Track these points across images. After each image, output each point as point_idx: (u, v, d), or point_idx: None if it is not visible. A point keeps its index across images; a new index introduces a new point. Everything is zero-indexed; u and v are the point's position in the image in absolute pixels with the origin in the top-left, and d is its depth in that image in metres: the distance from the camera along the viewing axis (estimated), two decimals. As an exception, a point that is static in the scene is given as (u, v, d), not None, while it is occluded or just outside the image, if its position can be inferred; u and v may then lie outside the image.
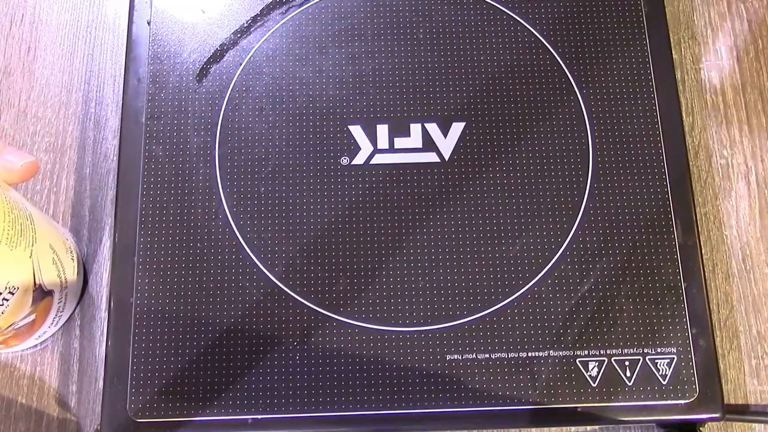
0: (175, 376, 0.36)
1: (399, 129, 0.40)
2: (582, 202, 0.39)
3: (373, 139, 0.40)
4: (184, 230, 0.38)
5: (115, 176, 0.40)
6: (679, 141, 0.40)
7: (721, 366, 0.39)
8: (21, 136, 0.42)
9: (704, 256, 0.39)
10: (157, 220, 0.38)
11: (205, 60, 0.41)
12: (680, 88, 0.43)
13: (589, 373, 0.36)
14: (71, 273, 0.37)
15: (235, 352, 0.36)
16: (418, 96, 0.41)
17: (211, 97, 0.41)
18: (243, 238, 0.38)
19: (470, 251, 0.38)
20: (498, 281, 0.38)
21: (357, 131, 0.40)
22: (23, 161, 0.31)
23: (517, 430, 0.38)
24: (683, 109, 0.43)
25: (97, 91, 0.43)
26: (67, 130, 0.43)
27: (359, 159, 0.40)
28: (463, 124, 0.40)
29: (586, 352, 0.37)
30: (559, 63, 0.41)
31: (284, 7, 0.42)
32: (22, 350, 0.38)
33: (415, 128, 0.40)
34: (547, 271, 0.38)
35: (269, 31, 0.42)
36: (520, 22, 0.42)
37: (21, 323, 0.34)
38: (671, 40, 0.43)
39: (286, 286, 0.38)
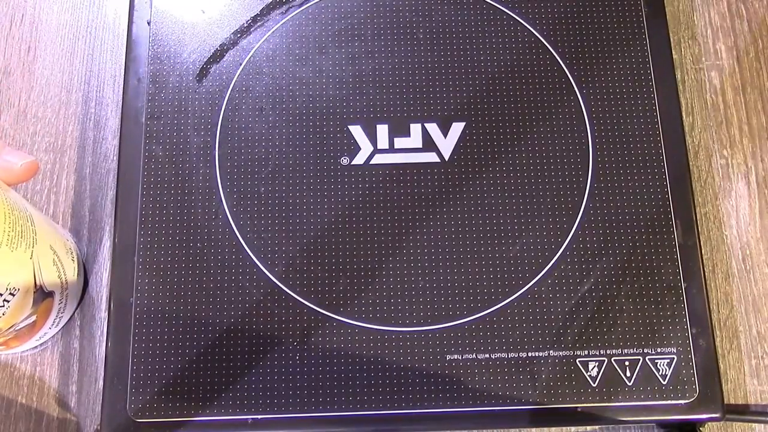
0: (175, 376, 0.36)
1: (399, 129, 0.40)
2: (582, 202, 0.39)
3: (373, 139, 0.40)
4: (184, 230, 0.38)
5: (115, 176, 0.40)
6: (679, 141, 0.40)
7: (721, 366, 0.39)
8: (21, 136, 0.42)
9: (704, 256, 0.39)
10: (157, 220, 0.38)
11: (205, 60, 0.41)
12: (680, 88, 0.43)
13: (589, 373, 0.36)
14: (72, 274, 0.37)
15: (235, 352, 0.36)
16: (418, 96, 0.41)
17: (211, 97, 0.41)
18: (243, 238, 0.38)
19: (470, 251, 0.38)
20: (498, 281, 0.38)
21: (357, 131, 0.40)
22: (23, 161, 0.31)
23: (517, 430, 0.38)
24: (683, 109, 0.43)
25: (97, 91, 0.43)
26: (67, 130, 0.43)
27: (359, 159, 0.40)
28: (463, 124, 0.40)
29: (586, 352, 0.37)
30: (559, 63, 0.41)
31: (284, 7, 0.42)
32: (23, 351, 0.38)
33: (415, 128, 0.40)
34: (547, 271, 0.38)
35: (269, 31, 0.42)
36: (520, 22, 0.42)
37: (22, 324, 0.34)
38: (671, 40, 0.43)
39: (286, 286, 0.38)
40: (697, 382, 0.36)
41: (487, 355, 0.37)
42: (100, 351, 0.39)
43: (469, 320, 0.37)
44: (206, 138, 0.40)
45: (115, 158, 0.42)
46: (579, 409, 0.36)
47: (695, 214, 0.39)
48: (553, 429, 0.38)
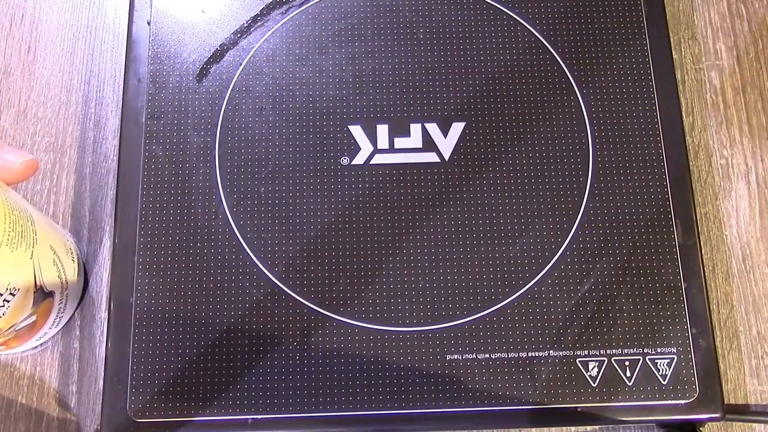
0: (175, 376, 0.36)
1: (399, 129, 0.40)
2: (582, 202, 0.39)
3: (373, 139, 0.40)
4: (184, 230, 0.38)
5: (115, 176, 0.40)
6: (679, 141, 0.40)
7: (721, 366, 0.39)
8: (21, 136, 0.42)
9: (704, 256, 0.39)
10: (157, 220, 0.38)
11: (205, 60, 0.41)
12: (680, 88, 0.43)
13: (589, 373, 0.36)
14: (72, 274, 0.37)
15: (235, 352, 0.36)
16: (418, 96, 0.41)
17: (211, 97, 0.41)
18: (243, 238, 0.38)
19: (470, 251, 0.38)
20: (498, 281, 0.38)
21: (357, 131, 0.40)
22: (22, 160, 0.31)
23: (517, 430, 0.38)
24: (683, 109, 0.43)
25: (97, 91, 0.43)
26: (67, 130, 0.43)
27: (359, 159, 0.40)
28: (463, 124, 0.40)
29: (586, 352, 0.37)
30: (559, 63, 0.41)
31: (284, 7, 0.42)
32: (23, 351, 0.38)
33: (415, 128, 0.40)
34: (547, 271, 0.38)
35: (269, 31, 0.42)
36: (520, 22, 0.42)
37: (22, 324, 0.34)
38: (671, 40, 0.43)
39: (286, 286, 0.38)
40: (697, 382, 0.36)
41: (487, 355, 0.37)
42: (100, 351, 0.39)
43: (469, 320, 0.37)
44: (206, 138, 0.40)
45: (115, 158, 0.42)
46: (579, 409, 0.36)
47: (695, 214, 0.39)
48: (553, 429, 0.38)
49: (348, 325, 0.37)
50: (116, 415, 0.35)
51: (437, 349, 0.37)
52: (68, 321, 0.39)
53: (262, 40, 0.42)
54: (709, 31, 0.45)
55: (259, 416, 0.36)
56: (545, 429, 0.38)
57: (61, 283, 0.36)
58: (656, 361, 0.37)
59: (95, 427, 0.38)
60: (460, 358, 0.37)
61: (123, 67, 0.41)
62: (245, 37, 0.42)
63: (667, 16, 0.43)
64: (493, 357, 0.37)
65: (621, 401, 0.36)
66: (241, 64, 0.41)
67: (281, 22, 0.42)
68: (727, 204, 0.42)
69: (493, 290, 0.38)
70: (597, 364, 0.37)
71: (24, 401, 0.38)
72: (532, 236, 0.38)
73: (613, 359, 0.37)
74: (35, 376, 0.39)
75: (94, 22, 0.45)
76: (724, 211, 0.42)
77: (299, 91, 0.41)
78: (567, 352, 0.37)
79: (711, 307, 0.38)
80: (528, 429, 0.37)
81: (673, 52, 0.42)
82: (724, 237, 0.41)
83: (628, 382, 0.36)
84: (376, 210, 0.39)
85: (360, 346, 0.37)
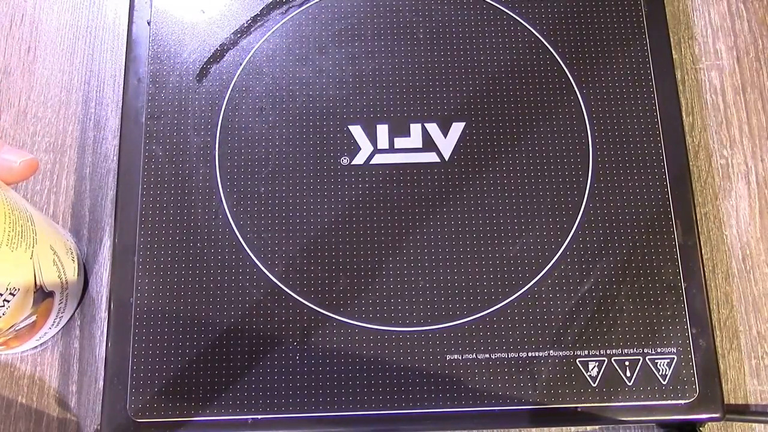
0: (175, 376, 0.36)
1: (399, 129, 0.40)
2: (582, 202, 0.39)
3: (373, 139, 0.40)
4: (184, 230, 0.38)
5: (115, 176, 0.40)
6: (679, 141, 0.40)
7: (721, 366, 0.39)
8: (21, 136, 0.42)
9: (704, 256, 0.39)
10: (157, 220, 0.38)
11: (205, 60, 0.41)
12: (680, 88, 0.43)
13: (589, 373, 0.36)
14: (72, 274, 0.37)
15: (235, 352, 0.36)
16: (418, 96, 0.41)
17: (211, 97, 0.41)
18: (243, 238, 0.38)
19: (470, 251, 0.38)
20: (498, 281, 0.38)
21: (357, 131, 0.40)
22: (22, 159, 0.31)
23: (517, 430, 0.38)
24: (683, 109, 0.43)
25: (97, 91, 0.43)
26: (67, 130, 0.43)
27: (359, 159, 0.40)
28: (463, 124, 0.40)
29: (586, 352, 0.37)
30: (559, 63, 0.41)
31: (284, 7, 0.42)
32: (23, 351, 0.38)
33: (415, 128, 0.40)
34: (547, 271, 0.38)
35: (269, 31, 0.42)
36: (520, 22, 0.42)
37: (22, 324, 0.34)
38: (671, 40, 0.43)
39: (286, 286, 0.38)
40: (697, 382, 0.36)
41: (487, 355, 0.37)
42: (100, 351, 0.39)
43: (469, 320, 0.37)
44: (206, 138, 0.40)
45: (115, 158, 0.42)
46: (579, 409, 0.36)
47: (695, 214, 0.39)
48: (553, 429, 0.38)
49: (348, 325, 0.37)
50: (116, 415, 0.35)
51: (437, 349, 0.37)
52: (68, 321, 0.39)
53: (262, 40, 0.42)
54: (709, 31, 0.45)
55: (259, 416, 0.36)
56: (545, 429, 0.38)
57: (61, 283, 0.36)
58: (656, 361, 0.37)
59: (95, 427, 0.38)
60: (460, 358, 0.37)
61: (123, 67, 0.41)
62: (245, 37, 0.42)
63: (667, 16, 0.43)
64: (493, 357, 0.37)
65: (621, 401, 0.36)
66: (241, 64, 0.41)
67: (281, 22, 0.42)
68: (727, 204, 0.42)
69: (493, 290, 0.38)
70: (597, 364, 0.37)
71: (24, 401, 0.38)
72: (532, 236, 0.38)
73: (613, 359, 0.37)
74: (35, 376, 0.39)
75: (94, 22, 0.45)
76: (724, 211, 0.42)
77: (299, 91, 0.41)
78: (567, 352, 0.37)
79: (711, 307, 0.38)
80: (528, 429, 0.37)
81: (673, 52, 0.42)
82: (724, 237, 0.41)
83: (628, 382, 0.36)
84: (376, 210, 0.39)
85: (360, 346, 0.37)
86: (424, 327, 0.37)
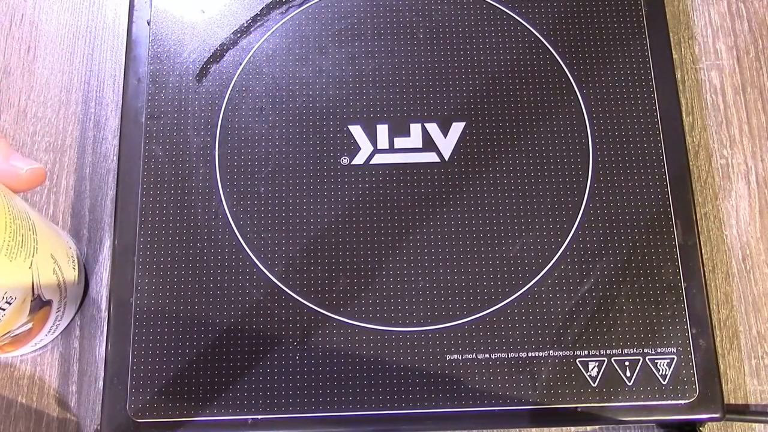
0: (175, 376, 0.36)
1: (399, 129, 0.40)
2: (582, 202, 0.39)
3: (373, 139, 0.40)
4: (184, 230, 0.38)
5: (115, 176, 0.40)
6: (679, 141, 0.40)
7: (721, 366, 0.39)
8: (21, 136, 0.42)
9: (704, 256, 0.39)
10: (157, 220, 0.38)
11: (205, 60, 0.41)
12: (680, 88, 0.43)
13: (589, 373, 0.36)
14: (72, 282, 0.37)
15: (235, 352, 0.36)
16: (418, 96, 0.41)
17: (211, 97, 0.41)
18: (243, 238, 0.38)
19: (470, 251, 0.38)
20: (498, 281, 0.38)
21: (357, 131, 0.40)
22: (29, 167, 0.30)
23: (517, 430, 0.38)
24: (683, 109, 0.43)
25: (97, 91, 0.43)
26: (67, 130, 0.43)
27: (359, 159, 0.40)
28: (463, 124, 0.40)
29: (586, 352, 0.37)
30: (559, 63, 0.41)
31: (284, 7, 0.42)
32: (20, 355, 0.38)
33: (415, 128, 0.40)
34: (547, 271, 0.38)
35: (269, 31, 0.42)
36: (520, 22, 0.42)
37: (17, 331, 0.34)
38: (671, 40, 0.42)
39: (286, 286, 0.38)
40: (697, 382, 0.36)
41: (487, 355, 0.37)
42: (100, 351, 0.39)
43: (469, 320, 0.37)
44: (206, 138, 0.40)
45: (115, 158, 0.42)
46: (579, 409, 0.36)
47: (695, 214, 0.39)
48: (553, 429, 0.38)
49: (348, 325, 0.37)
50: (116, 415, 0.35)
51: (437, 349, 0.37)
52: (66, 326, 0.39)
53: (262, 40, 0.42)
54: (709, 31, 0.45)
55: (259, 416, 0.36)
56: (545, 429, 0.38)
57: (60, 291, 0.36)
58: (656, 361, 0.37)
59: (95, 427, 0.38)
60: (460, 358, 0.37)
61: (123, 67, 0.41)
62: (245, 37, 0.42)
63: (667, 16, 0.43)
64: (493, 357, 0.37)
65: (621, 401, 0.36)
66: (241, 64, 0.41)
67: (281, 22, 0.42)
68: (727, 204, 0.42)
69: (493, 290, 0.38)
70: (597, 364, 0.37)
71: (24, 401, 0.38)
72: (532, 236, 0.38)
73: (613, 359, 0.37)
74: (35, 376, 0.39)
75: (94, 22, 0.45)
76: (724, 211, 0.42)
77: (299, 91, 0.41)
78: (567, 352, 0.37)
79: (711, 307, 0.38)
80: (528, 429, 0.37)
81: (673, 52, 0.42)
82: (724, 237, 0.41)
83: (628, 382, 0.36)
84: (376, 210, 0.39)
85: (360, 346, 0.37)
86: (424, 327, 0.37)
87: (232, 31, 0.42)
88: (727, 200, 0.42)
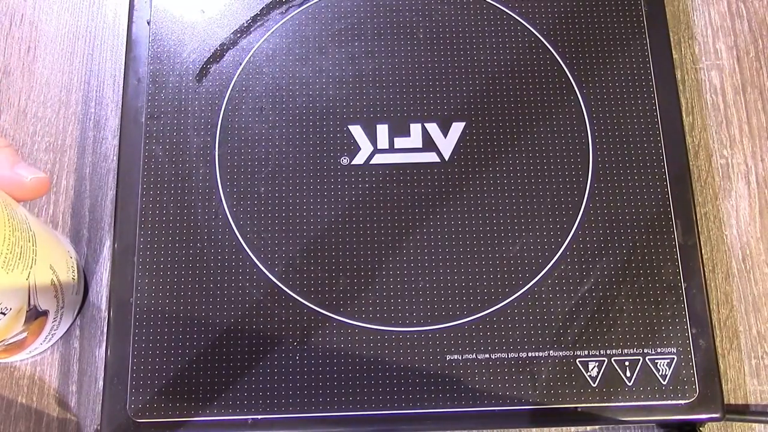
0: (175, 376, 0.36)
1: (399, 129, 0.40)
2: (582, 202, 0.39)
3: (373, 139, 0.40)
4: (184, 230, 0.38)
5: (115, 176, 0.40)
6: (679, 141, 0.40)
7: (721, 366, 0.39)
8: (21, 136, 0.42)
9: (704, 256, 0.39)
10: (157, 220, 0.38)
11: (205, 60, 0.41)
12: (680, 88, 0.43)
13: (589, 373, 0.36)
14: (70, 292, 0.37)
15: (235, 352, 0.36)
16: (418, 96, 0.41)
17: (211, 97, 0.41)
18: (243, 238, 0.38)
19: (470, 251, 0.38)
20: (498, 281, 0.38)
21: (357, 131, 0.40)
22: (33, 176, 0.30)
23: (517, 430, 0.38)
24: (683, 109, 0.43)
25: (97, 91, 0.43)
26: (67, 130, 0.43)
27: (359, 159, 0.40)
28: (463, 124, 0.40)
29: (586, 352, 0.37)
30: (559, 63, 0.41)
31: (284, 7, 0.42)
32: (19, 361, 0.38)
33: (415, 128, 0.40)
34: (547, 271, 0.38)
35: (269, 30, 0.42)
36: (520, 22, 0.42)
37: (11, 340, 0.34)
38: (671, 39, 0.42)
39: (286, 286, 0.38)
40: (697, 382, 0.36)
41: (487, 355, 0.37)
42: (100, 351, 0.39)
43: (469, 320, 0.37)
44: (206, 138, 0.40)
45: (115, 158, 0.42)
46: (579, 409, 0.36)
47: (695, 214, 0.39)
48: (553, 429, 0.38)
49: (348, 325, 0.37)
50: (116, 415, 0.35)
51: (437, 349, 0.37)
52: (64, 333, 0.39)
53: (262, 40, 0.42)
54: (709, 31, 0.45)
55: (259, 416, 0.36)
56: (545, 429, 0.38)
57: (57, 302, 0.36)
58: (656, 361, 0.37)
59: (95, 427, 0.38)
60: (460, 358, 0.37)
61: (123, 67, 0.41)
62: (245, 36, 0.42)
63: (667, 16, 0.43)
64: (493, 357, 0.37)
65: (621, 401, 0.36)
66: (241, 64, 0.41)
67: (281, 22, 0.42)
68: (727, 204, 0.42)
69: (493, 290, 0.38)
70: (597, 364, 0.37)
71: (24, 401, 0.38)
72: (532, 236, 0.38)
73: (613, 359, 0.37)
74: (35, 376, 0.39)
75: (94, 22, 0.45)
76: (724, 211, 0.42)
77: (299, 91, 0.41)
78: (567, 352, 0.37)
79: (711, 307, 0.38)
80: (528, 429, 0.37)
81: (673, 52, 0.42)
82: (724, 237, 0.41)
83: (628, 382, 0.36)
84: (376, 210, 0.39)
85: (360, 346, 0.37)
86: (424, 327, 0.37)
87: (232, 31, 0.42)
88: (727, 200, 0.42)
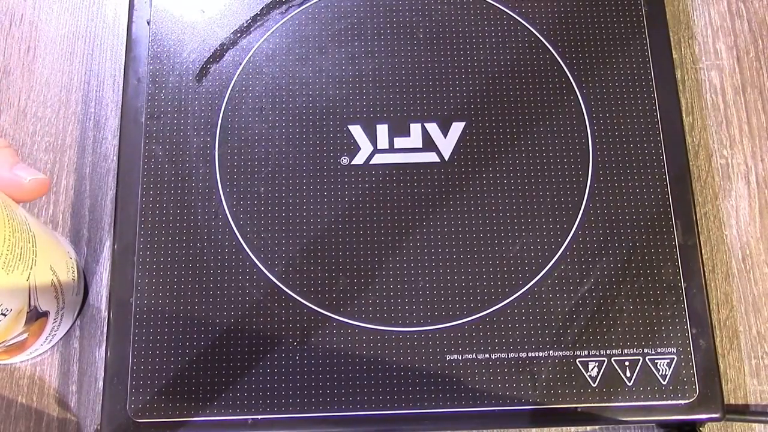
0: (175, 376, 0.36)
1: (399, 129, 0.40)
2: (582, 202, 0.39)
3: (373, 139, 0.40)
4: (184, 230, 0.38)
5: (115, 176, 0.40)
6: (679, 141, 0.40)
7: (721, 366, 0.39)
8: (21, 136, 0.42)
9: (704, 256, 0.39)
10: (157, 220, 0.38)
11: (204, 60, 0.41)
12: (680, 88, 0.43)
13: (589, 373, 0.36)
14: (70, 294, 0.37)
15: (235, 352, 0.36)
16: (418, 96, 0.41)
17: (211, 97, 0.41)
18: (243, 238, 0.38)
19: (470, 251, 0.38)
20: (498, 281, 0.38)
21: (357, 131, 0.40)
22: (32, 177, 0.30)
23: (517, 430, 0.38)
24: (683, 109, 0.43)
25: (96, 91, 0.43)
26: (67, 129, 0.43)
27: (359, 159, 0.40)
28: (463, 124, 0.40)
29: (586, 352, 0.37)
30: (559, 63, 0.41)
31: (284, 7, 0.42)
32: (19, 362, 0.38)
33: (415, 128, 0.40)
34: (547, 271, 0.38)
35: (269, 30, 0.42)
36: (520, 22, 0.42)
37: (12, 341, 0.34)
38: (671, 39, 0.42)
39: (286, 286, 0.38)
40: (697, 382, 0.36)
41: (487, 355, 0.37)
42: (100, 351, 0.39)
43: (469, 320, 0.37)
44: (206, 138, 0.40)
45: (115, 158, 0.42)
46: (579, 409, 0.36)
47: (695, 214, 0.39)
48: (553, 429, 0.38)
49: (348, 325, 0.37)
50: (116, 415, 0.35)
51: (437, 349, 0.37)
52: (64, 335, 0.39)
53: (262, 39, 0.42)
54: (709, 31, 0.45)
55: (259, 416, 0.36)
56: (545, 429, 0.38)
57: (58, 303, 0.36)
58: (656, 361, 0.37)
59: (95, 427, 0.38)
60: (460, 358, 0.37)
61: (123, 67, 0.41)
62: (245, 36, 0.42)
63: (667, 16, 0.43)
64: (493, 357, 0.37)
65: (621, 401, 0.36)
66: (241, 64, 0.41)
67: (281, 22, 0.42)
68: (727, 204, 0.42)
69: (493, 290, 0.38)
70: (597, 364, 0.37)
71: (24, 401, 0.38)
72: (532, 236, 0.38)
73: (613, 359, 0.37)
74: (35, 376, 0.39)
75: (94, 22, 0.45)
76: (724, 211, 0.42)
77: (299, 91, 0.41)
78: (567, 352, 0.37)
79: (711, 307, 0.38)
80: (528, 429, 0.37)
81: (673, 52, 0.42)
82: (724, 237, 0.41)
83: (628, 382, 0.36)
84: (376, 210, 0.39)
85: (360, 346, 0.37)
86: (424, 327, 0.37)
87: (232, 31, 0.42)
88: (727, 200, 0.42)
